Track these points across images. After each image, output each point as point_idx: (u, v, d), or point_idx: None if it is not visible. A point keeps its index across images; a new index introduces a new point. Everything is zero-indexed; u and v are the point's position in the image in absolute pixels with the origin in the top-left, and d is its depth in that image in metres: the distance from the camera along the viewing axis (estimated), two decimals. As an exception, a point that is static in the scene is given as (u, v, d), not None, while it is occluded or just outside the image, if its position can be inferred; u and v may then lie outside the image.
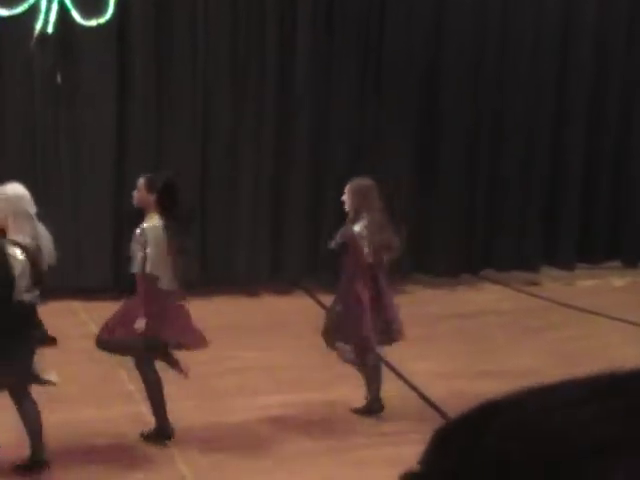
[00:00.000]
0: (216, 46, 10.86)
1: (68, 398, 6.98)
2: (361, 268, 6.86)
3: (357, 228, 6.83)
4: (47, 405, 5.95)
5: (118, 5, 10.36)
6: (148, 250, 6.13)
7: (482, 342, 9.18)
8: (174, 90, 10.79)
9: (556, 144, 12.43)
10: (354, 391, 7.18)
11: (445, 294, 11.41)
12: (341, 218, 7.21)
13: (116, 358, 6.70)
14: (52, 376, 5.86)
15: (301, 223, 11.33)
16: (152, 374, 6.38)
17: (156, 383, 6.37)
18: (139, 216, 6.34)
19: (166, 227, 6.18)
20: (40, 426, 5.82)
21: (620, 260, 13.05)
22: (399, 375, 8.01)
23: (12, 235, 5.64)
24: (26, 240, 5.65)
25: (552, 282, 12.19)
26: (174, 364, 6.52)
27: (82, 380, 7.39)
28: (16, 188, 5.81)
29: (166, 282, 6.25)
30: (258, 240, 11.25)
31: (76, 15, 10.20)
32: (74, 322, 9.11)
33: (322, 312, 7.66)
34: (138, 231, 6.23)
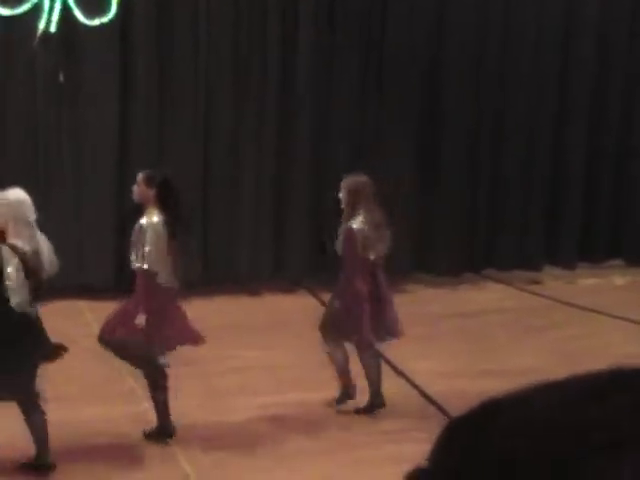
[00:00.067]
0: (217, 45, 10.86)
1: (70, 397, 6.99)
2: (359, 264, 6.88)
3: (354, 224, 6.86)
4: (49, 404, 5.95)
5: (120, 4, 10.37)
6: (147, 245, 6.14)
7: (484, 341, 9.17)
8: (176, 89, 10.80)
9: (558, 143, 12.42)
10: (358, 390, 7.18)
11: (447, 293, 11.40)
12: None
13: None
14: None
15: (302, 222, 11.33)
16: (160, 374, 6.39)
17: (161, 380, 6.38)
18: (139, 211, 6.37)
19: (165, 222, 6.20)
20: (46, 434, 5.82)
21: (621, 259, 13.04)
22: (400, 374, 8.01)
23: (11, 240, 5.65)
24: (25, 246, 5.66)
25: (554, 281, 12.18)
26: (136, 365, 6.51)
27: (85, 379, 7.40)
28: (18, 193, 5.82)
29: (165, 277, 6.25)
30: (260, 239, 11.25)
31: (79, 14, 10.21)
32: (78, 321, 9.13)
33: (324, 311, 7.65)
34: (137, 226, 6.25)
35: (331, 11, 11.26)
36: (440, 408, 7.16)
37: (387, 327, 7.07)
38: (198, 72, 10.85)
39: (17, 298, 5.60)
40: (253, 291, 11.06)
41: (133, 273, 6.40)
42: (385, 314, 7.04)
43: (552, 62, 12.19)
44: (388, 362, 8.19)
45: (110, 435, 6.52)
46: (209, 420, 6.86)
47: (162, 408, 6.41)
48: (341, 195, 6.98)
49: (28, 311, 5.67)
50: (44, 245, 5.83)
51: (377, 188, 7.09)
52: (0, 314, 5.57)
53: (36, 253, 5.70)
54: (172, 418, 6.45)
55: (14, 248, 5.62)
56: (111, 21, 10.32)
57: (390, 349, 8.36)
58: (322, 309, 8.51)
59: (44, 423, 5.80)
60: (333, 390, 7.44)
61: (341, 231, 6.98)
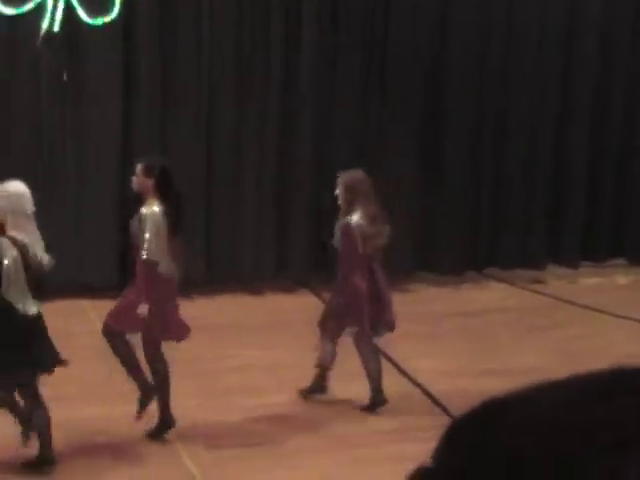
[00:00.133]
0: (220, 44, 10.86)
1: (71, 396, 6.99)
2: (357, 260, 6.89)
3: (351, 220, 6.87)
4: (51, 403, 5.96)
5: (124, 3, 10.37)
6: (147, 235, 6.16)
7: (486, 340, 9.17)
8: (179, 88, 10.80)
9: (560, 142, 12.41)
10: (356, 389, 7.19)
11: (449, 292, 11.40)
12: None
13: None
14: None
15: (305, 221, 11.33)
16: (161, 365, 6.41)
17: (164, 374, 6.40)
18: (138, 202, 6.39)
19: (165, 212, 6.23)
20: (49, 429, 5.83)
21: (624, 258, 13.03)
22: (402, 372, 8.02)
23: (10, 232, 5.66)
24: (24, 238, 5.67)
25: (556, 280, 12.17)
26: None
27: (87, 378, 7.39)
28: (17, 186, 5.84)
29: (165, 267, 6.28)
30: (262, 238, 11.26)
31: (82, 14, 10.22)
32: (81, 320, 9.14)
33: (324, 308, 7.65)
34: (137, 217, 6.28)
35: (334, 10, 11.26)
36: (442, 407, 7.17)
37: (385, 321, 7.09)
38: (201, 71, 10.85)
39: (12, 289, 5.61)
40: (255, 290, 11.06)
41: (133, 264, 6.44)
42: (383, 309, 7.05)
43: (555, 61, 12.19)
44: (390, 360, 8.19)
45: (111, 434, 6.53)
46: (210, 419, 6.87)
47: (164, 401, 6.42)
48: (338, 192, 7.02)
49: (31, 313, 5.67)
50: (38, 241, 5.83)
51: (377, 186, 7.12)
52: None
53: (32, 246, 5.72)
54: (174, 417, 6.45)
55: (14, 240, 5.64)
56: (114, 20, 10.33)
57: (393, 347, 8.37)
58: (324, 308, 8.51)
59: (47, 418, 5.82)
60: (335, 388, 7.44)
61: (338, 227, 7.00)
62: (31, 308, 5.71)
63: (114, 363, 6.57)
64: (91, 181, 10.56)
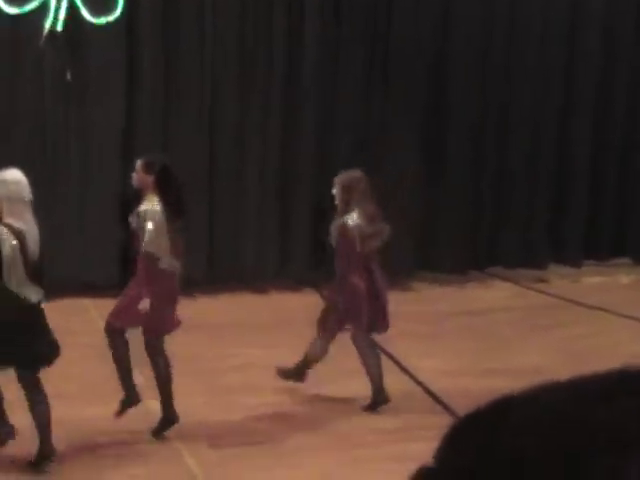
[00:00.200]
0: (223, 38, 10.87)
1: (73, 395, 7.00)
2: (355, 260, 6.90)
3: (348, 220, 6.89)
4: (52, 401, 5.96)
5: (127, 1, 10.38)
6: (147, 231, 6.19)
7: (489, 339, 9.16)
8: (182, 82, 10.81)
9: (563, 136, 12.39)
10: (359, 388, 7.19)
11: (452, 291, 11.39)
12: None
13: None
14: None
15: (307, 215, 11.32)
16: (162, 359, 6.42)
17: (165, 370, 6.41)
18: (138, 198, 6.41)
19: (165, 208, 6.24)
20: (49, 423, 5.84)
21: (628, 257, 13.02)
22: (405, 371, 8.01)
23: (6, 219, 5.68)
24: (21, 226, 5.69)
25: (560, 279, 12.16)
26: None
27: (88, 377, 7.39)
28: (14, 174, 5.86)
29: (166, 263, 6.29)
30: (265, 232, 11.26)
31: (85, 13, 10.22)
32: (83, 318, 9.14)
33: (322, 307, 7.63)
34: (137, 213, 6.29)
35: (337, 4, 11.27)
36: (445, 406, 7.16)
37: (382, 320, 7.10)
38: (204, 65, 10.85)
39: (14, 278, 5.62)
40: (258, 289, 11.06)
41: (134, 260, 6.46)
42: (381, 308, 7.06)
43: (558, 55, 12.17)
44: (393, 359, 8.20)
45: (112, 433, 6.53)
46: (212, 417, 6.87)
47: (167, 397, 6.43)
48: (335, 191, 7.04)
49: (28, 292, 5.69)
50: (33, 229, 5.84)
51: (375, 184, 7.14)
52: None
53: (29, 233, 5.73)
54: (177, 413, 6.46)
55: (11, 228, 5.65)
56: (117, 18, 10.33)
57: (395, 346, 8.38)
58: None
59: (47, 413, 5.82)
60: (338, 387, 7.45)
61: (334, 227, 7.02)
62: (31, 296, 5.72)
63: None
64: (94, 179, 10.56)
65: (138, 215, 6.29)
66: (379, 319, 7.08)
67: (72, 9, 10.17)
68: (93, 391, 7.19)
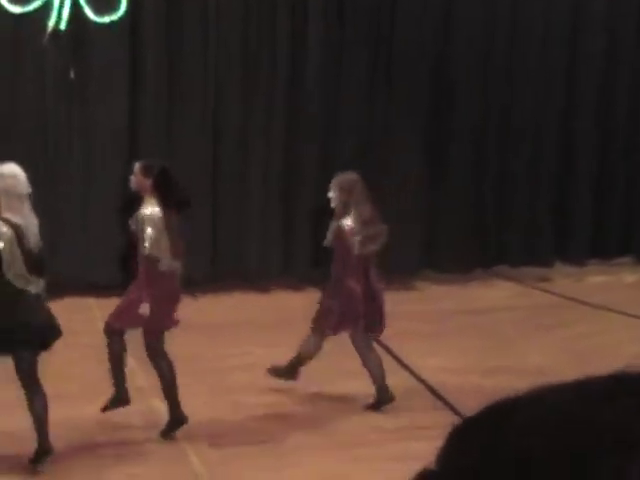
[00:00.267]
0: (227, 40, 10.88)
1: (74, 394, 7.00)
2: (351, 263, 6.90)
3: (345, 223, 6.89)
4: (52, 401, 5.97)
5: (130, 1, 10.39)
6: (147, 234, 6.20)
7: (493, 338, 9.16)
8: (185, 84, 10.82)
9: (565, 139, 12.39)
10: (360, 387, 7.19)
11: (456, 290, 11.39)
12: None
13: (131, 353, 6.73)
14: None
15: (310, 218, 11.33)
16: (164, 361, 6.43)
17: (169, 372, 6.42)
18: (137, 201, 6.42)
19: (163, 211, 6.24)
20: (47, 419, 5.84)
21: (632, 256, 13.01)
22: (408, 370, 8.01)
23: (4, 213, 5.70)
24: (18, 220, 5.70)
25: (564, 278, 12.15)
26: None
27: (88, 376, 7.37)
28: (12, 168, 5.88)
29: (166, 265, 6.30)
30: (268, 234, 11.27)
31: (89, 12, 10.23)
32: (86, 318, 9.14)
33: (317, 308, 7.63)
34: (136, 216, 6.31)
35: (340, 6, 11.27)
36: (448, 405, 7.16)
37: (379, 322, 7.10)
38: (207, 67, 10.86)
39: (11, 271, 5.63)
40: (261, 288, 11.06)
41: (134, 263, 6.47)
42: (377, 310, 7.07)
43: (560, 57, 12.17)
44: (396, 358, 8.20)
45: (118, 431, 6.54)
46: (215, 417, 6.87)
47: (172, 398, 6.44)
48: (331, 194, 7.04)
49: (28, 286, 5.70)
50: (32, 223, 5.85)
51: (373, 186, 7.15)
52: None
53: (27, 228, 5.75)
54: (184, 414, 6.46)
55: (8, 222, 5.66)
56: (121, 17, 10.35)
57: (399, 345, 8.38)
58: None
59: (45, 406, 5.82)
60: (341, 386, 7.45)
61: (332, 229, 7.03)
62: (31, 289, 5.73)
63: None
64: (97, 179, 10.58)
65: (137, 219, 6.31)
66: (375, 321, 7.09)
67: (75, 8, 10.17)
68: (93, 391, 7.18)
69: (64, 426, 6.21)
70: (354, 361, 7.11)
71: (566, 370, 6.93)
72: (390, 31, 11.46)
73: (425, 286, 11.51)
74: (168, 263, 6.33)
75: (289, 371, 7.34)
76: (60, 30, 10.16)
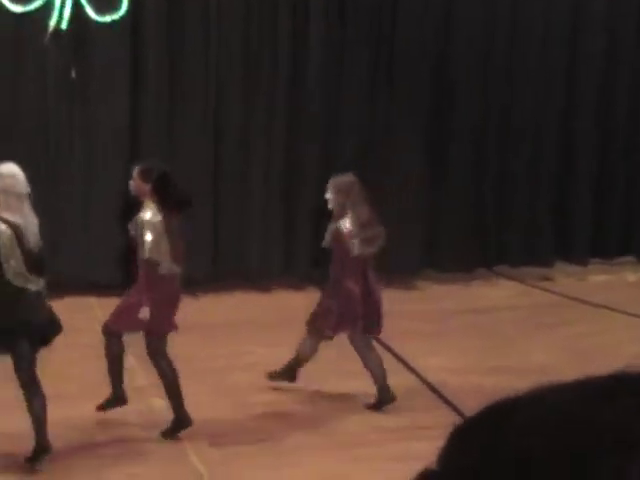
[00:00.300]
0: (228, 39, 10.87)
1: (73, 394, 7.00)
2: (349, 264, 6.91)
3: (343, 224, 6.89)
4: (53, 401, 5.97)
5: (131, 0, 10.38)
6: (146, 238, 6.20)
7: (494, 338, 9.16)
8: (186, 84, 10.81)
9: (565, 139, 12.39)
10: (361, 387, 7.19)
11: (458, 290, 11.38)
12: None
13: (127, 351, 6.72)
14: None
15: (312, 217, 11.33)
16: (165, 362, 6.43)
17: (171, 373, 6.42)
18: (137, 205, 6.42)
19: (162, 215, 6.24)
20: (45, 418, 5.83)
21: (633, 255, 13.00)
22: (410, 369, 8.01)
23: (3, 213, 5.71)
24: (17, 220, 5.70)
25: (565, 278, 12.15)
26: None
27: (89, 376, 7.36)
28: (10, 167, 5.89)
29: (166, 268, 6.30)
30: (270, 233, 11.27)
31: (90, 11, 10.23)
32: (86, 317, 9.14)
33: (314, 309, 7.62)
34: (135, 220, 6.31)
35: (342, 6, 11.27)
36: (449, 405, 7.16)
37: (377, 323, 7.10)
38: (209, 67, 10.86)
39: (11, 270, 5.64)
40: (262, 288, 11.06)
41: (134, 266, 6.48)
42: (375, 310, 7.06)
43: (560, 57, 12.17)
44: (397, 357, 8.20)
45: (120, 430, 6.54)
46: (217, 416, 6.87)
47: (176, 400, 6.44)
48: (328, 196, 7.04)
49: (27, 284, 5.71)
50: (32, 222, 5.86)
51: (370, 188, 7.16)
52: None
53: (26, 227, 5.75)
54: (189, 416, 6.46)
55: (7, 221, 5.66)
56: (122, 17, 10.35)
57: (400, 345, 8.38)
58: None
59: (44, 405, 5.82)
60: (344, 385, 7.45)
61: (330, 231, 7.04)
62: (31, 287, 5.74)
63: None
64: (98, 178, 10.57)
65: (136, 223, 6.31)
66: (374, 322, 7.09)
67: (77, 7, 10.17)
68: (94, 390, 7.18)
69: (64, 425, 6.21)
70: (354, 361, 7.11)
71: (567, 369, 6.93)
72: (391, 31, 11.46)
73: (426, 286, 11.51)
74: (168, 267, 6.32)
75: (287, 373, 7.35)
76: (61, 29, 10.16)
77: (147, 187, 6.33)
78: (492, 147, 12.13)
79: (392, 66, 11.50)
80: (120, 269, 10.39)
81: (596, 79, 12.37)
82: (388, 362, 7.63)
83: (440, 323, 9.60)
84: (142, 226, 6.25)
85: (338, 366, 7.40)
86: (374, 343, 7.35)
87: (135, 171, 6.50)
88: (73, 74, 10.24)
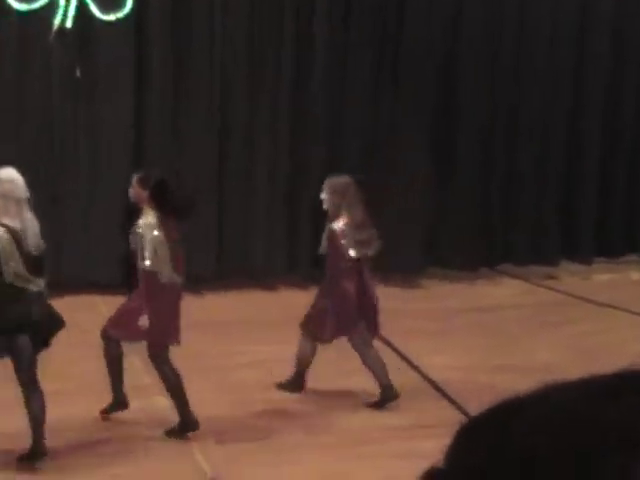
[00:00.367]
0: (233, 38, 10.87)
1: (74, 392, 7.00)
2: (344, 265, 6.90)
3: (337, 225, 6.89)
4: (53, 399, 5.97)
5: (136, -1, 10.40)
6: (145, 246, 6.20)
7: (499, 336, 9.15)
8: (191, 82, 10.81)
9: (572, 138, 12.37)
10: (364, 385, 7.19)
11: (463, 288, 11.38)
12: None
13: (130, 350, 6.72)
14: None
15: (316, 216, 11.31)
16: (167, 366, 6.43)
17: (174, 377, 6.42)
18: (138, 212, 6.43)
19: (161, 222, 6.23)
20: (43, 420, 5.83)
21: (638, 254, 12.98)
22: (414, 368, 8.01)
23: (2, 218, 5.72)
24: (16, 225, 5.71)
25: (570, 276, 12.14)
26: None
27: (88, 375, 7.36)
28: (9, 172, 5.89)
29: (167, 276, 6.29)
30: (274, 232, 11.27)
31: (95, 10, 10.24)
32: (89, 316, 9.14)
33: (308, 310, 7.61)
34: (135, 228, 6.32)
35: (346, 7, 11.25)
36: (454, 403, 7.15)
37: (373, 324, 7.09)
38: (213, 65, 10.86)
39: (11, 272, 5.66)
40: (267, 286, 11.06)
41: (135, 272, 6.48)
42: (371, 312, 7.05)
43: (567, 57, 12.15)
44: (402, 356, 8.20)
45: (119, 429, 6.55)
46: (221, 414, 6.88)
47: (181, 403, 6.44)
48: (324, 196, 7.04)
49: (28, 285, 5.72)
50: (32, 226, 5.86)
51: (364, 190, 7.15)
52: None
53: (25, 232, 5.76)
54: (195, 419, 6.46)
55: (5, 225, 5.68)
56: (126, 15, 10.35)
57: (405, 343, 8.38)
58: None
59: (43, 406, 5.81)
60: (348, 384, 7.45)
61: (325, 232, 7.05)
62: (31, 287, 5.75)
63: (126, 356, 6.60)
64: (103, 177, 10.58)
65: (136, 231, 6.31)
66: (371, 323, 7.08)
67: (81, 6, 10.18)
68: (97, 388, 7.19)
69: (65, 423, 6.21)
70: (356, 359, 7.12)
71: (572, 368, 6.92)
72: (397, 30, 11.44)
73: (431, 284, 11.50)
74: (169, 275, 6.31)
75: (295, 383, 7.34)
76: (66, 28, 10.17)
77: (145, 194, 6.34)
78: (499, 147, 12.12)
79: (397, 65, 11.48)
80: (123, 269, 10.40)
81: (603, 79, 12.35)
82: (392, 360, 7.63)
83: (445, 322, 9.60)
84: (141, 235, 6.24)
85: (340, 364, 7.39)
86: (377, 341, 7.35)
87: (134, 179, 6.52)
88: (78, 72, 10.24)
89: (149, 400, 6.94)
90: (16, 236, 5.70)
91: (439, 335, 9.05)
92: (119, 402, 6.63)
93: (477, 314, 10.02)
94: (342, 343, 7.16)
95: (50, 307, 5.94)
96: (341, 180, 7.11)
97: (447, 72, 11.72)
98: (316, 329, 7.11)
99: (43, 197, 9.12)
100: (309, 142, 11.22)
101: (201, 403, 6.72)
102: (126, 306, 6.54)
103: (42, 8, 10.13)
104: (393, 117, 11.48)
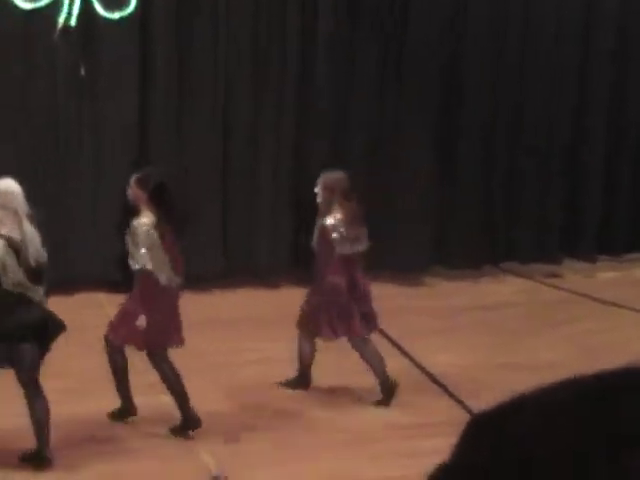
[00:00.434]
0: (237, 36, 10.87)
1: (76, 391, 7.01)
2: (335, 260, 6.90)
3: (328, 221, 6.89)
4: (57, 396, 5.98)
5: (140, -3, 10.40)
6: (140, 246, 6.19)
7: (503, 334, 9.15)
8: (195, 80, 10.81)
9: (577, 136, 12.35)
10: (369, 384, 7.18)
11: (466, 286, 11.37)
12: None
13: (133, 348, 6.72)
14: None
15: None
16: (168, 368, 6.43)
17: (174, 376, 6.42)
18: (135, 212, 6.43)
19: (159, 223, 6.22)
20: (48, 423, 5.84)
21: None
22: (419, 367, 8.01)
23: (1, 229, 5.71)
24: (13, 235, 5.72)
25: (573, 274, 12.13)
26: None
27: (88, 374, 7.37)
28: (8, 183, 5.89)
29: (165, 278, 6.28)
30: (278, 230, 11.26)
31: (99, 8, 10.24)
32: (96, 313, 9.15)
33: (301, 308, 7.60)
34: (130, 228, 6.31)
35: (351, 2, 11.24)
36: (459, 402, 7.15)
37: (370, 321, 7.10)
38: (217, 63, 10.85)
39: (10, 280, 5.68)
40: (271, 284, 11.07)
41: (131, 274, 6.48)
42: (362, 309, 7.05)
43: (571, 55, 12.13)
44: (406, 354, 8.20)
45: (125, 426, 6.55)
46: (227, 412, 6.89)
47: (182, 401, 6.44)
48: (317, 191, 7.05)
49: (27, 292, 5.74)
50: (32, 238, 5.85)
51: (355, 186, 7.15)
52: None
53: (25, 243, 5.77)
54: (197, 417, 6.46)
55: (2, 236, 5.69)
56: (131, 13, 10.35)
57: (409, 342, 8.38)
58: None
59: (46, 410, 5.82)
60: (352, 382, 7.45)
61: (317, 227, 7.05)
62: (31, 294, 5.77)
63: (129, 354, 6.60)
64: (107, 175, 10.58)
65: (130, 230, 6.31)
66: (367, 320, 7.07)
67: (85, 4, 10.18)
68: (102, 385, 7.20)
69: (70, 420, 6.22)
70: (354, 364, 7.12)
71: (576, 365, 6.89)
72: (401, 27, 11.42)
73: (435, 282, 11.50)
74: (168, 277, 6.30)
75: (300, 381, 7.35)
76: (70, 26, 10.17)
77: (144, 195, 6.33)
78: (502, 144, 12.10)
79: (401, 62, 11.47)
80: (126, 266, 10.40)
81: (607, 77, 12.32)
82: (397, 358, 7.64)
83: (449, 320, 9.59)
84: (136, 233, 6.23)
85: (349, 362, 7.39)
86: (378, 339, 7.35)
87: (132, 179, 6.50)
88: (82, 71, 10.25)
89: (155, 398, 6.94)
90: (15, 246, 5.70)
91: (443, 333, 9.05)
92: (127, 409, 6.64)
93: (481, 312, 10.02)
94: (342, 343, 7.16)
95: (50, 312, 5.93)
96: (333, 176, 7.11)
97: (451, 70, 11.70)
98: (312, 326, 7.11)
99: (47, 195, 9.13)
100: (314, 138, 11.20)
101: (205, 401, 6.73)
102: (122, 310, 6.54)
103: (47, 6, 10.13)
104: (397, 114, 11.46)
